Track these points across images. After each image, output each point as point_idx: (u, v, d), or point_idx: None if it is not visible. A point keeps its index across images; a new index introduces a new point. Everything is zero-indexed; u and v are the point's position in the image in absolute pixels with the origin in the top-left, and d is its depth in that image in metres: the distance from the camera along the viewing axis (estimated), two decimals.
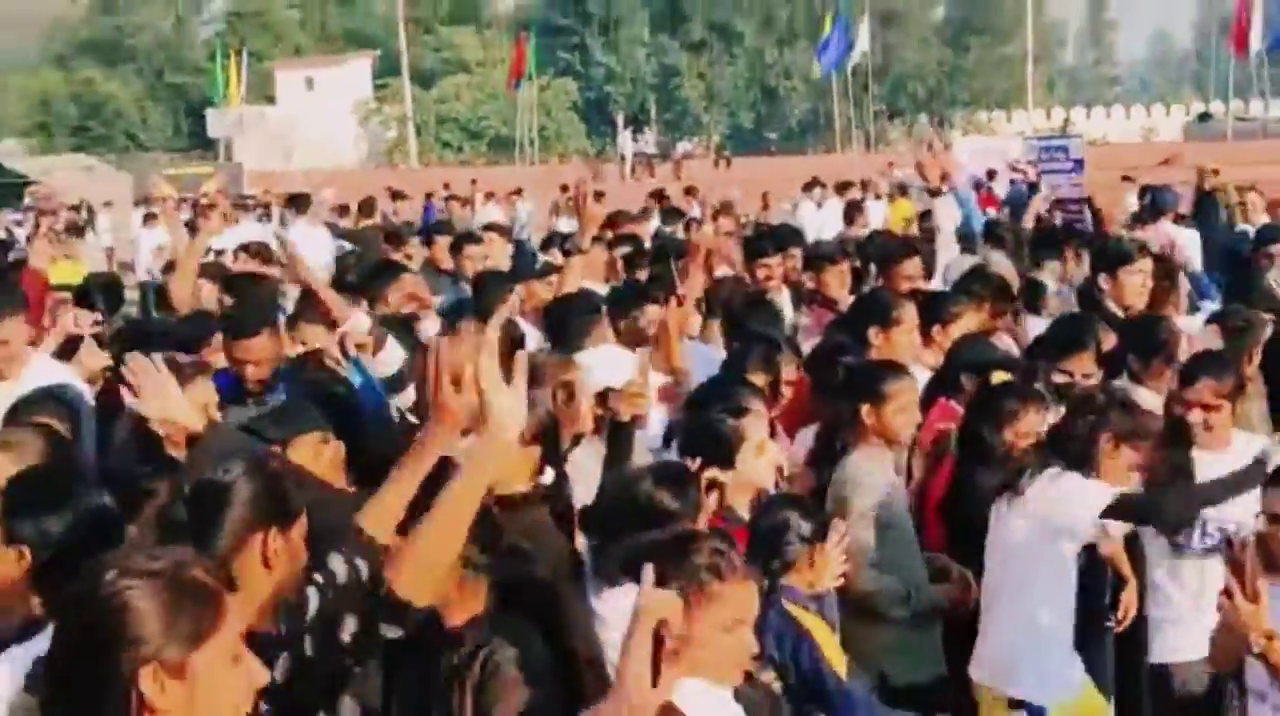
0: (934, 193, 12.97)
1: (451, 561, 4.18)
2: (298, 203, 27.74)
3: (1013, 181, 24.26)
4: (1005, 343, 8.87)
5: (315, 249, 21.47)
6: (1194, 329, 8.69)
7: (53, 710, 2.98)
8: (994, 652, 6.61)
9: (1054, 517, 6.35)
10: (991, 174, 26.83)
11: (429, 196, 34.18)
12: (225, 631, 3.01)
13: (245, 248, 16.71)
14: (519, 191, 34.28)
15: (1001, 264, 10.45)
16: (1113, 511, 6.33)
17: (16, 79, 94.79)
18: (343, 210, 29.42)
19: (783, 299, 10.56)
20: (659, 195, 25.36)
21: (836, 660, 5.42)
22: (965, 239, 11.65)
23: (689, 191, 27.36)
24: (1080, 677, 6.70)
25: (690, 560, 4.10)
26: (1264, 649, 4.88)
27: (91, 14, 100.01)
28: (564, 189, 31.87)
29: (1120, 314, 9.15)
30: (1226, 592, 4.97)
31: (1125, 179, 26.53)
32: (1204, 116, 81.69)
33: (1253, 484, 6.29)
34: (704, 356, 8.27)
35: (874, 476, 6.66)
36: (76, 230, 25.43)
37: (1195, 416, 6.91)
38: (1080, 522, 6.41)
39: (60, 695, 2.96)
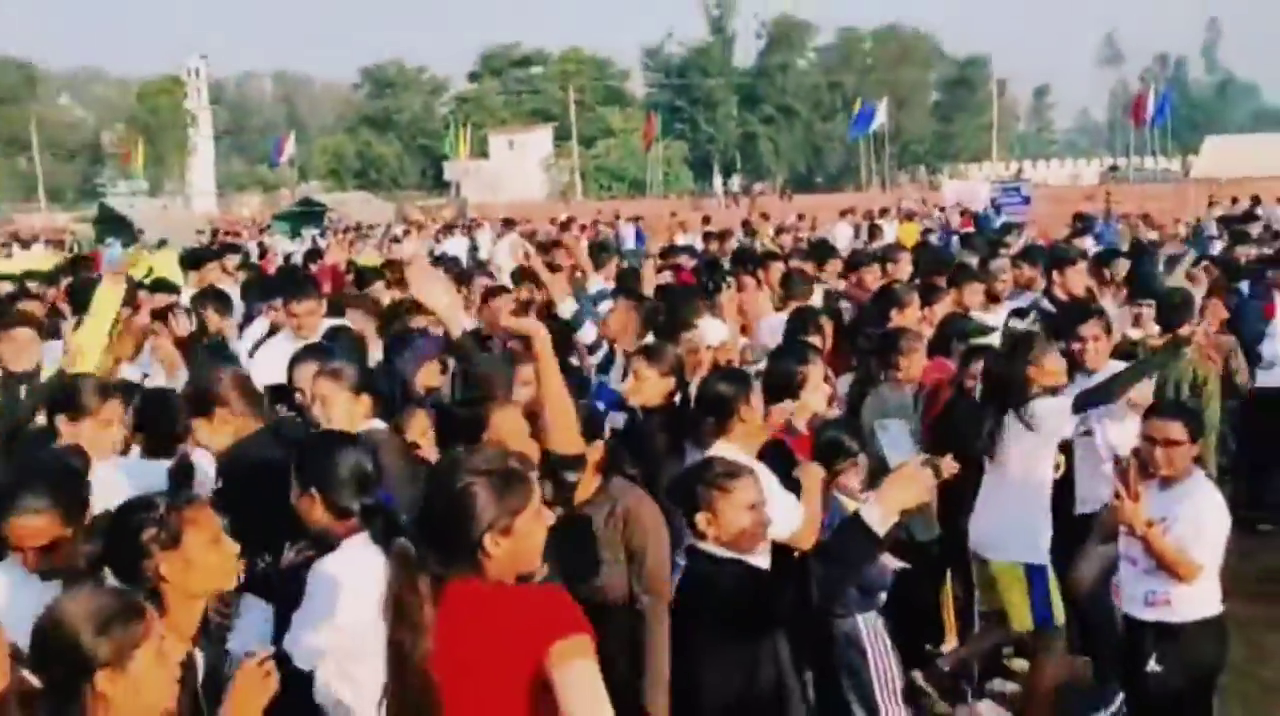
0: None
1: (571, 414, 4.26)
2: (509, 223, 28.27)
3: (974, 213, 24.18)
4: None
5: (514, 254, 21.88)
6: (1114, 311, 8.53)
7: (424, 555, 3.09)
8: (1007, 532, 6.21)
9: (1049, 426, 6.18)
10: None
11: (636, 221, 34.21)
12: (534, 499, 3.15)
13: (439, 259, 16.78)
14: (638, 218, 34.03)
15: (1004, 265, 10.34)
16: (1077, 405, 6.23)
17: (320, 141, 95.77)
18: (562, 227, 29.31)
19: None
20: (746, 222, 25.36)
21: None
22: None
23: (763, 217, 27.34)
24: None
25: (711, 472, 4.19)
26: (1144, 533, 4.96)
27: (368, 98, 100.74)
28: (672, 215, 31.93)
29: (1065, 299, 9.05)
30: (1116, 495, 5.03)
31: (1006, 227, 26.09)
32: (1113, 168, 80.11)
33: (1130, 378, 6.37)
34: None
35: (888, 404, 6.70)
36: (396, 241, 25.73)
37: (1089, 347, 6.82)
38: (1065, 426, 6.30)
39: (433, 546, 3.10)
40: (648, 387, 6.05)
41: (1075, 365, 6.97)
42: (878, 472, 5.91)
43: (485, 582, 3.12)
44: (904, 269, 10.57)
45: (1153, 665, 5.11)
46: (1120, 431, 6.37)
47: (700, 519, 4.09)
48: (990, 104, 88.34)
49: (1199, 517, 5.05)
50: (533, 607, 3.09)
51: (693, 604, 4.17)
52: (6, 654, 3.00)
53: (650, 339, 7.17)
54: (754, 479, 4.27)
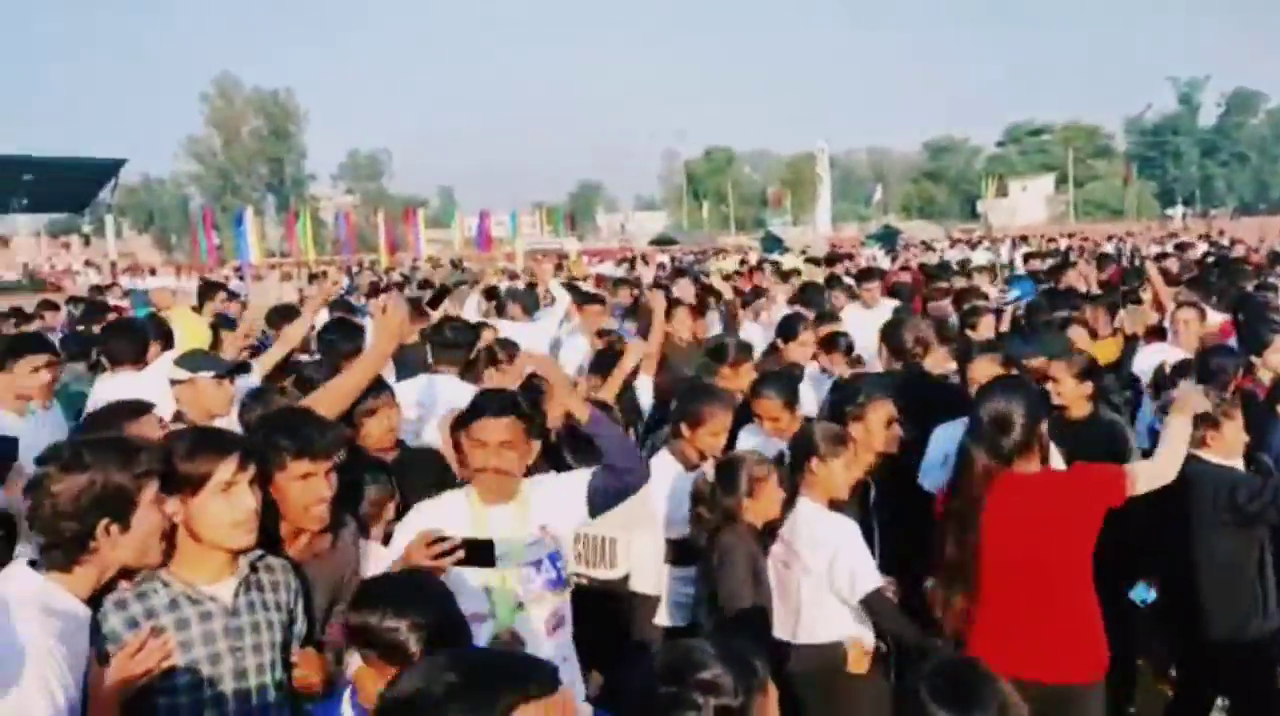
0: None
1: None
2: (1024, 239, 25.68)
3: None
4: None
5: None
6: None
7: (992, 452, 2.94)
8: None
9: None
10: None
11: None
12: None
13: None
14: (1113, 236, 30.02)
15: None
16: None
17: (895, 188, 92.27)
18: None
19: None
20: (1206, 236, 21.79)
21: None
22: None
23: (1219, 232, 23.47)
24: None
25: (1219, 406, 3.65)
26: None
27: (928, 160, 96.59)
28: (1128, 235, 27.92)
29: None
30: None
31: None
32: None
33: None
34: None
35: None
36: (932, 249, 23.70)
37: None
38: None
39: (991, 448, 2.99)
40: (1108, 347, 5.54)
41: None
42: None
43: (1035, 472, 2.91)
44: None
45: None
46: None
47: (1209, 435, 3.59)
48: None
49: None
50: (1088, 480, 2.93)
51: (1194, 494, 3.53)
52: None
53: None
54: (1240, 416, 3.77)
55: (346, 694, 1.91)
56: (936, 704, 1.63)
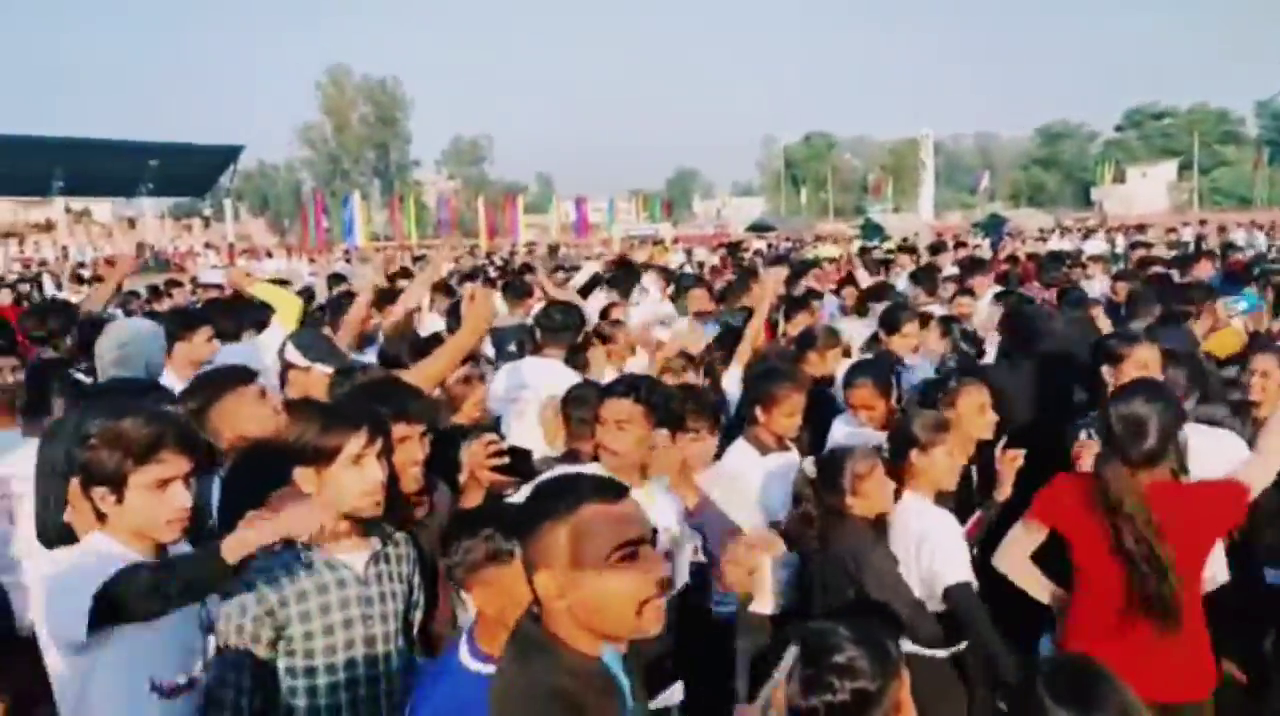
0: None
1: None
2: (1140, 228, 24.47)
3: None
4: None
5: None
6: None
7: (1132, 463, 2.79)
8: None
9: None
10: None
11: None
12: None
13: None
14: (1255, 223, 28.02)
15: None
16: None
17: (1003, 174, 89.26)
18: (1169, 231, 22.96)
19: None
20: None
21: None
22: None
23: None
24: None
25: None
26: None
27: (1039, 146, 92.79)
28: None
29: None
30: None
31: None
32: None
33: None
34: None
35: None
36: (1042, 239, 22.73)
37: None
38: None
39: (1141, 458, 2.79)
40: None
41: None
42: None
43: (1170, 479, 2.74)
44: None
45: None
46: None
47: None
48: None
49: None
50: (1215, 498, 2.78)
51: None
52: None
53: None
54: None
55: (463, 640, 1.95)
56: (1056, 702, 1.59)
